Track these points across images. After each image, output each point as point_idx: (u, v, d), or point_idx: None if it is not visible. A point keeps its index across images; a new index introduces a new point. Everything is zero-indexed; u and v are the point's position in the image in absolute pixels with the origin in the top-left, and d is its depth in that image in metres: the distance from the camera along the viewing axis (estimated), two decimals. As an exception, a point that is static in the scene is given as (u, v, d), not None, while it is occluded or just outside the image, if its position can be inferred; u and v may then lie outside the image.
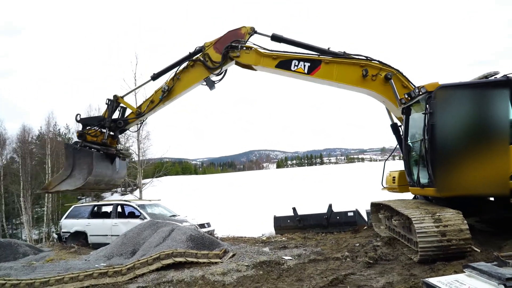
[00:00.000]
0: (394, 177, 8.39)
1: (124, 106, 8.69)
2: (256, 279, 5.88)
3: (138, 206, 12.42)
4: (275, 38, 8.42)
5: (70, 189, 7.56)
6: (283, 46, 8.51)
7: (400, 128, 8.13)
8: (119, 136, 8.74)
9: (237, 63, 8.40)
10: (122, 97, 8.62)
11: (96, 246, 10.91)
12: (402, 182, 7.98)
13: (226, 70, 8.50)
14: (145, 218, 11.50)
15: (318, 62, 8.13)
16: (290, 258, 7.24)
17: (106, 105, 8.36)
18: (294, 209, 11.99)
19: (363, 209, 11.32)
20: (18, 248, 9.94)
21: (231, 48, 8.26)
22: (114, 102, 8.39)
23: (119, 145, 8.67)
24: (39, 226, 34.02)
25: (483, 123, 6.32)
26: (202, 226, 12.10)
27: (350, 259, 6.70)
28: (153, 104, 8.52)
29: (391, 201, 7.71)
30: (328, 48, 8.25)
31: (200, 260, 7.07)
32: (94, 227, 12.06)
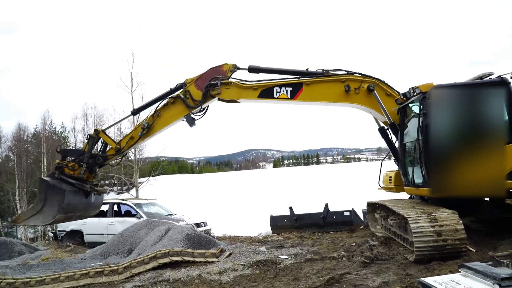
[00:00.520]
0: (390, 177, 8.43)
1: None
2: (252, 278, 5.89)
3: (135, 205, 12.40)
4: (252, 70, 8.35)
5: (38, 224, 7.61)
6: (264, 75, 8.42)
7: (387, 131, 8.17)
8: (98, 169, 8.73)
9: (220, 99, 8.33)
10: (103, 131, 8.60)
11: (92, 245, 10.88)
12: (398, 182, 8.02)
13: (208, 107, 8.42)
14: (141, 217, 11.48)
15: (299, 85, 8.07)
16: (286, 257, 7.26)
17: (87, 140, 8.35)
18: (290, 208, 12.01)
19: (359, 208, 11.36)
20: (13, 246, 9.88)
21: (211, 87, 8.16)
22: (95, 138, 8.39)
23: (95, 179, 8.62)
24: (35, 225, 33.79)
25: (477, 124, 6.36)
26: (198, 225, 12.09)
27: (346, 259, 6.72)
28: (132, 140, 8.42)
29: (387, 200, 7.74)
30: (307, 69, 8.22)
31: (197, 259, 7.07)
32: (90, 226, 12.01)
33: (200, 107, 8.21)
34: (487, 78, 6.71)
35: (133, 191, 24.18)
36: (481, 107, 6.39)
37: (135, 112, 9.44)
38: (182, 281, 5.92)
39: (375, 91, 7.85)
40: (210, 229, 12.83)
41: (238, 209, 31.14)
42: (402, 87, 7.78)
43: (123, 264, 6.73)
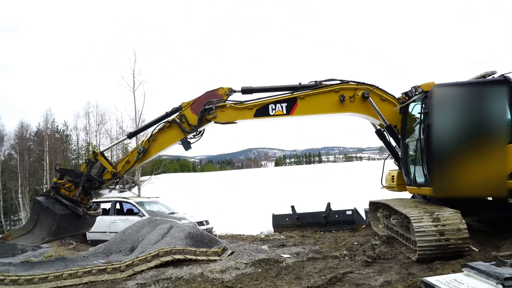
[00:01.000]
0: (393, 176, 8.42)
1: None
2: (254, 277, 5.89)
3: (137, 203, 12.42)
4: (245, 91, 8.36)
5: (27, 244, 7.78)
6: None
7: (384, 133, 8.16)
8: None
9: (216, 122, 8.33)
10: (102, 152, 8.67)
11: (95, 242, 10.91)
12: (401, 181, 8.01)
13: (204, 130, 8.44)
14: (143, 215, 11.50)
15: (294, 100, 8.07)
16: (288, 256, 7.26)
17: (86, 162, 8.39)
18: (292, 207, 12.01)
19: (362, 207, 11.35)
20: (16, 244, 9.92)
21: (206, 111, 8.16)
22: (94, 162, 8.45)
23: (91, 201, 8.71)
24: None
25: (480, 123, 6.32)
26: (200, 223, 12.11)
27: (349, 258, 6.72)
28: (128, 164, 8.48)
29: (389, 200, 7.73)
30: (300, 83, 8.21)
31: (199, 258, 7.08)
32: (92, 224, 12.04)
33: (196, 131, 8.24)
34: (490, 77, 6.68)
35: (135, 190, 24.20)
36: (483, 106, 6.36)
37: (131, 135, 9.57)
38: (184, 279, 5.93)
39: (370, 98, 7.86)
40: (212, 228, 12.85)
41: (240, 208, 31.13)
42: (402, 87, 7.77)
43: (125, 262, 6.75)
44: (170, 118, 8.39)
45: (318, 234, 10.45)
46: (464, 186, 6.08)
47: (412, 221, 5.74)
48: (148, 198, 14.20)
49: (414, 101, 7.15)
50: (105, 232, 11.72)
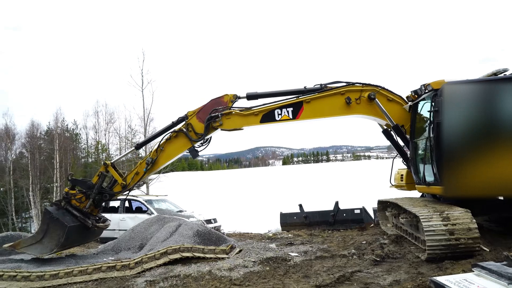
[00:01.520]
0: (402, 175, 8.36)
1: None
2: (262, 275, 5.90)
3: (145, 201, 12.51)
4: (250, 97, 8.35)
5: (36, 254, 7.80)
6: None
7: (391, 132, 8.11)
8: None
9: (223, 129, 8.33)
10: (112, 163, 8.66)
11: (104, 240, 11.02)
12: (410, 180, 7.94)
13: (211, 137, 8.45)
14: (152, 213, 11.59)
15: (300, 104, 8.02)
16: (296, 254, 7.25)
17: (98, 176, 8.40)
18: (300, 206, 12.00)
19: (370, 206, 11.29)
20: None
21: (212, 119, 8.16)
22: (106, 174, 8.46)
23: (100, 213, 8.76)
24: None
25: (491, 122, 6.23)
26: (208, 221, 12.17)
27: (357, 257, 6.69)
28: (138, 176, 8.50)
29: (398, 199, 7.68)
30: (305, 87, 8.16)
31: (207, 256, 7.11)
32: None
33: (202, 140, 8.27)
34: (502, 75, 6.58)
35: (143, 188, 24.39)
36: (494, 104, 6.27)
37: (139, 146, 9.70)
38: (193, 277, 5.96)
39: (377, 99, 7.80)
40: (220, 226, 12.89)
41: (247, 206, 31.22)
42: (412, 85, 7.71)
43: (134, 259, 6.80)
44: (176, 128, 8.42)
45: (326, 233, 10.42)
46: (475, 186, 6.00)
47: (421, 220, 5.69)
48: (157, 196, 14.30)
49: (423, 99, 7.08)
50: (115, 229, 11.83)
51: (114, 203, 13.07)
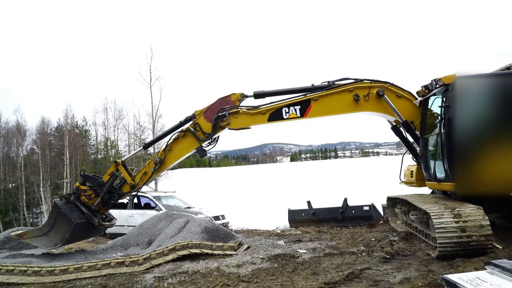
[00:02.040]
0: (412, 171, 8.25)
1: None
2: (271, 272, 5.87)
3: (154, 197, 12.61)
4: (258, 95, 8.27)
5: (40, 246, 7.86)
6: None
7: (401, 129, 8.01)
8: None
9: (230, 128, 8.29)
10: (123, 162, 8.69)
11: (113, 236, 11.13)
12: (420, 176, 7.84)
13: (218, 136, 8.42)
14: (160, 209, 11.66)
15: (308, 102, 7.92)
16: (305, 251, 7.21)
17: (109, 176, 8.41)
18: (308, 202, 11.95)
19: (379, 203, 11.19)
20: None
21: (220, 118, 8.12)
22: (117, 174, 8.46)
23: (107, 210, 8.78)
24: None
25: (504, 117, 6.10)
26: (216, 218, 12.20)
27: (366, 254, 6.62)
28: (146, 176, 8.52)
29: (408, 195, 7.58)
30: (312, 85, 8.05)
31: (215, 252, 7.10)
32: (111, 217, 12.27)
33: (210, 139, 8.24)
34: (515, 69, 6.43)
35: (152, 184, 24.57)
36: (508, 98, 6.12)
37: (147, 146, 9.81)
38: (201, 273, 5.97)
39: (385, 96, 7.69)
40: (228, 222, 12.92)
41: (255, 203, 31.23)
42: (423, 81, 7.58)
43: (143, 255, 6.83)
44: (184, 127, 8.40)
45: (334, 229, 10.35)
46: (488, 182, 5.90)
47: (432, 217, 5.60)
48: (165, 192, 14.40)
49: (434, 94, 6.95)
50: (123, 225, 11.93)
51: (123, 200, 13.19)
